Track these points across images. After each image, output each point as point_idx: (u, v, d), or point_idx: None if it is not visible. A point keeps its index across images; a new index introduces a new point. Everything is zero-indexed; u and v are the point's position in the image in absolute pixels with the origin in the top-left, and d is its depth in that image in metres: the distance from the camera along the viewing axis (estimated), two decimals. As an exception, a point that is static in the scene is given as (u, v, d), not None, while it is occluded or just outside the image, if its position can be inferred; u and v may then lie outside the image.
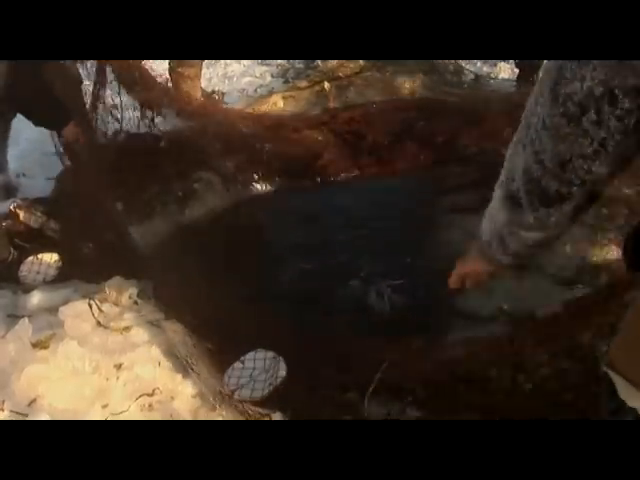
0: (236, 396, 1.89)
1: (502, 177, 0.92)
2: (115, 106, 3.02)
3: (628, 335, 1.01)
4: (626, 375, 0.99)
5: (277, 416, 1.77)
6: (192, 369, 1.92)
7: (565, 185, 0.82)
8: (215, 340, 2.06)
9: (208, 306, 2.17)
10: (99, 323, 2.13)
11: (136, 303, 2.25)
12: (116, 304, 2.24)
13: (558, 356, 1.90)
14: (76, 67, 2.80)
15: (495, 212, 0.96)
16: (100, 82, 2.91)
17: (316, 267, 2.36)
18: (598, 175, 0.80)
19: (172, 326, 2.08)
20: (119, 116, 3.04)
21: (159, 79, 3.21)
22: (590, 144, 0.78)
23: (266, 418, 1.75)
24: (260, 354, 2.03)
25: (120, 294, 2.25)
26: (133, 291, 2.27)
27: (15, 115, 3.03)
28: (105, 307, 2.21)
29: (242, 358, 2.02)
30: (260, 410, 1.77)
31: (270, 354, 2.02)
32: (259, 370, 1.98)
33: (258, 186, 2.95)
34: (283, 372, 1.97)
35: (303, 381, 1.90)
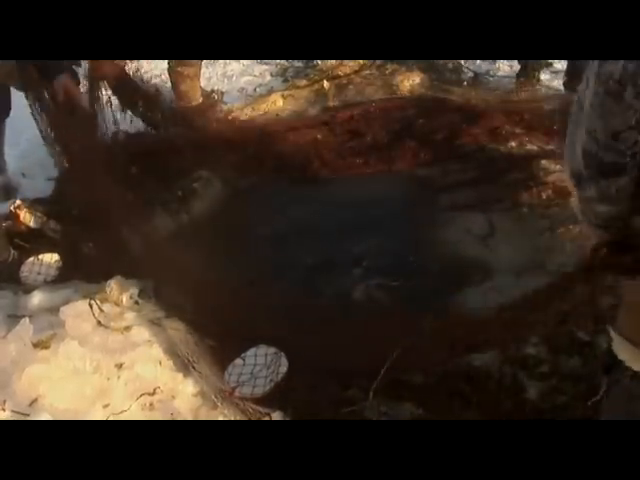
0: (237, 393, 1.89)
1: (565, 161, 1.00)
2: (114, 106, 3.03)
3: (631, 299, 1.08)
4: (628, 336, 1.06)
5: (277, 415, 1.77)
6: (194, 367, 1.92)
7: (619, 156, 0.90)
8: (217, 337, 2.06)
9: (209, 304, 2.17)
10: (100, 323, 2.13)
11: (137, 303, 2.25)
12: (117, 304, 2.24)
13: (559, 353, 1.90)
14: (72, 68, 2.80)
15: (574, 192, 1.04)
16: (95, 82, 2.92)
17: (316, 263, 2.36)
18: None
19: (173, 324, 2.08)
20: (118, 116, 3.05)
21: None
22: (634, 114, 0.86)
23: (266, 417, 1.75)
24: (261, 350, 2.02)
25: (121, 294, 2.25)
26: (134, 291, 2.27)
27: (8, 115, 3.03)
28: (105, 307, 2.21)
29: (243, 355, 2.02)
30: (260, 409, 1.77)
31: (271, 350, 2.02)
32: (260, 366, 1.98)
33: (257, 185, 2.94)
34: (284, 368, 1.96)
35: (304, 378, 1.90)
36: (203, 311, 2.14)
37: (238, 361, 2.01)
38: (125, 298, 2.25)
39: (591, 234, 1.17)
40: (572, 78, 3.36)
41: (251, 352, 2.03)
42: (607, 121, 0.89)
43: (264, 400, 1.87)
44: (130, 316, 2.21)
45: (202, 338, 2.04)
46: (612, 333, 1.10)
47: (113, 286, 2.27)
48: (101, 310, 2.19)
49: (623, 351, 1.07)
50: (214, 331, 2.08)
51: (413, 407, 1.78)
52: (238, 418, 1.80)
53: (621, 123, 0.88)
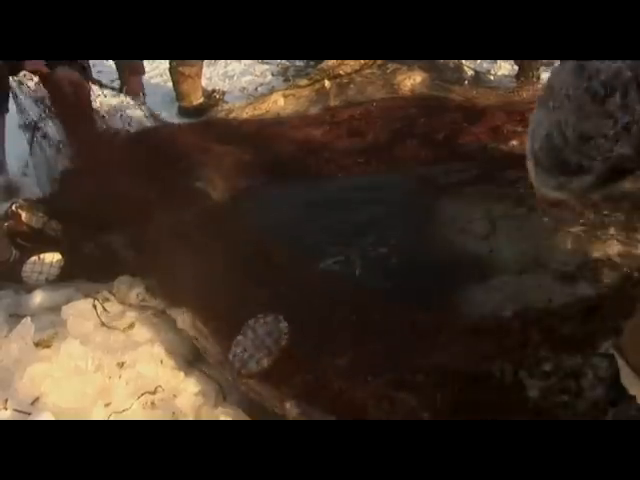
0: (244, 372, 1.87)
1: (529, 130, 0.91)
2: (116, 106, 3.04)
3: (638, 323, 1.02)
4: (631, 362, 1.00)
5: (290, 404, 1.74)
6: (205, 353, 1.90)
7: (586, 159, 0.79)
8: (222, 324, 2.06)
9: (214, 302, 2.17)
10: (103, 323, 2.14)
11: (144, 300, 2.26)
12: (122, 302, 2.25)
13: (560, 352, 1.90)
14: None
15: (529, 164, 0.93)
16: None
17: (316, 264, 2.35)
18: (621, 155, 0.76)
19: (179, 312, 2.08)
20: (120, 115, 3.05)
21: None
22: (613, 126, 0.75)
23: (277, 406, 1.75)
24: (259, 320, 1.99)
25: (129, 292, 2.26)
26: (141, 289, 2.27)
27: (7, 110, 3.04)
28: (108, 306, 2.22)
29: (242, 330, 1.98)
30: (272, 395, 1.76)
31: (269, 317, 1.98)
32: (262, 336, 1.94)
33: (259, 183, 2.94)
34: (285, 330, 1.93)
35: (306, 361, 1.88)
36: (207, 306, 2.14)
37: (239, 338, 1.97)
38: (132, 296, 2.26)
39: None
40: None
41: (250, 323, 1.99)
42: (580, 121, 0.78)
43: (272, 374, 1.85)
44: (132, 315, 2.22)
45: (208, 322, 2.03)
46: (620, 363, 1.04)
47: (121, 284, 2.28)
48: (104, 309, 2.20)
49: (633, 386, 1.01)
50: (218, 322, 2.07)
51: (414, 407, 1.78)
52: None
53: (595, 129, 0.76)
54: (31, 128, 2.89)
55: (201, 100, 3.80)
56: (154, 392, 1.93)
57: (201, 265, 2.25)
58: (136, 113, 3.12)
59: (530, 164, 0.90)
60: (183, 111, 3.81)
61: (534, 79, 3.54)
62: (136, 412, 1.86)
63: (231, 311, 2.07)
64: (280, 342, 1.92)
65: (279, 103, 3.66)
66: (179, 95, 3.79)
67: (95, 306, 2.18)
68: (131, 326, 2.18)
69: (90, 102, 2.95)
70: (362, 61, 3.92)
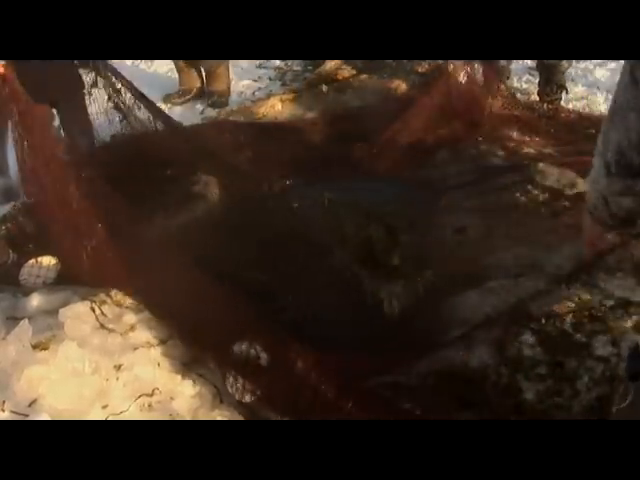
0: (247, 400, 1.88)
1: (599, 147, 1.02)
2: (115, 108, 3.04)
3: None
4: None
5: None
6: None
7: None
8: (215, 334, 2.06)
9: (207, 303, 2.17)
10: (102, 326, 2.14)
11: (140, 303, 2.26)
12: (119, 305, 2.25)
13: (556, 354, 1.91)
14: (78, 70, 2.82)
15: (596, 178, 1.04)
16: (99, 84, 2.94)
17: (313, 268, 2.36)
18: None
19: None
20: (118, 118, 3.06)
21: None
22: None
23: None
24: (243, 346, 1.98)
25: (126, 294, 2.26)
26: (137, 292, 2.27)
27: None
28: (105, 309, 2.22)
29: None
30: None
31: (251, 343, 1.97)
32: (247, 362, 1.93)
33: (256, 188, 2.95)
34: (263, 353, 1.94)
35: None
36: (200, 311, 2.14)
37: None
38: (129, 299, 2.26)
39: (593, 233, 1.17)
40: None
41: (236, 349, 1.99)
42: None
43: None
44: (129, 318, 2.21)
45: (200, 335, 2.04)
46: None
47: (118, 287, 2.28)
48: (102, 313, 2.20)
49: None
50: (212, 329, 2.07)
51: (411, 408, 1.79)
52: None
53: None
54: None
55: (198, 85, 4.03)
56: (151, 394, 1.93)
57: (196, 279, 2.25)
58: (139, 115, 3.12)
59: (601, 172, 1.02)
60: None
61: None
62: (133, 414, 1.86)
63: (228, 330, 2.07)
64: (264, 363, 1.92)
65: (276, 107, 3.68)
66: (180, 80, 4.03)
67: (93, 309, 2.18)
68: (128, 329, 2.17)
69: (85, 104, 2.96)
70: (359, 66, 3.95)
